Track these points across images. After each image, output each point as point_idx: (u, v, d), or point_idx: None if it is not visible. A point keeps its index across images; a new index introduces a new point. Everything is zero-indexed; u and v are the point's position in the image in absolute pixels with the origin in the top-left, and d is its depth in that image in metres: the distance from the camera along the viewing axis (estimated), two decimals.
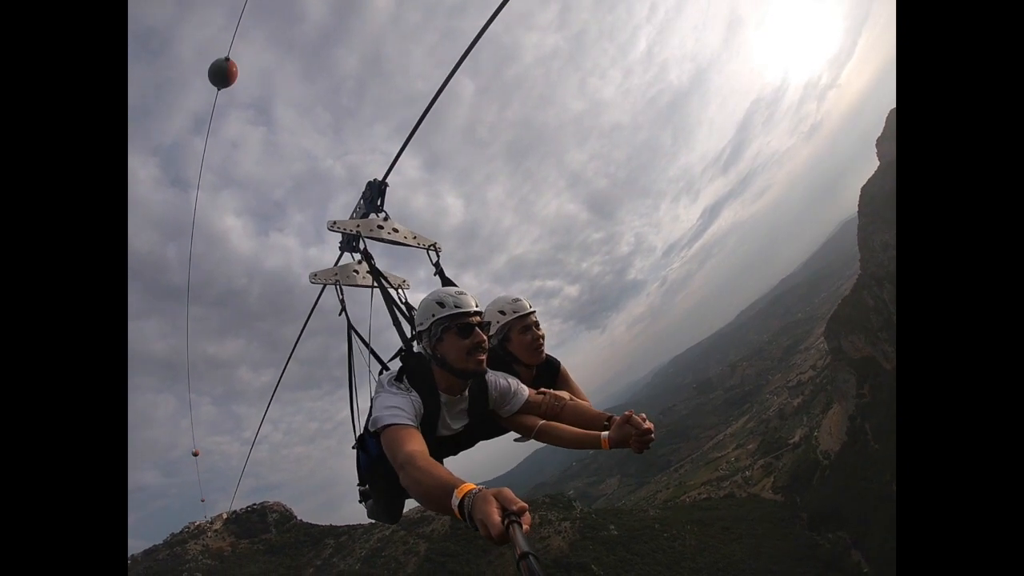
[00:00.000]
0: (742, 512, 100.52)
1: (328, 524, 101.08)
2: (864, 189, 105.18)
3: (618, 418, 2.73)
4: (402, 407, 2.60)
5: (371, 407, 3.05)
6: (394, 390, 2.74)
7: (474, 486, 1.77)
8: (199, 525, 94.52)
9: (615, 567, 77.07)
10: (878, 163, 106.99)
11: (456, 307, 2.82)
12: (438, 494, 1.93)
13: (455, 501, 1.78)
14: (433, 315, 2.84)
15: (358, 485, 3.49)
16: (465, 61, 3.53)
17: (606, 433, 2.74)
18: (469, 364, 2.81)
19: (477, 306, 2.90)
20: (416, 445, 2.38)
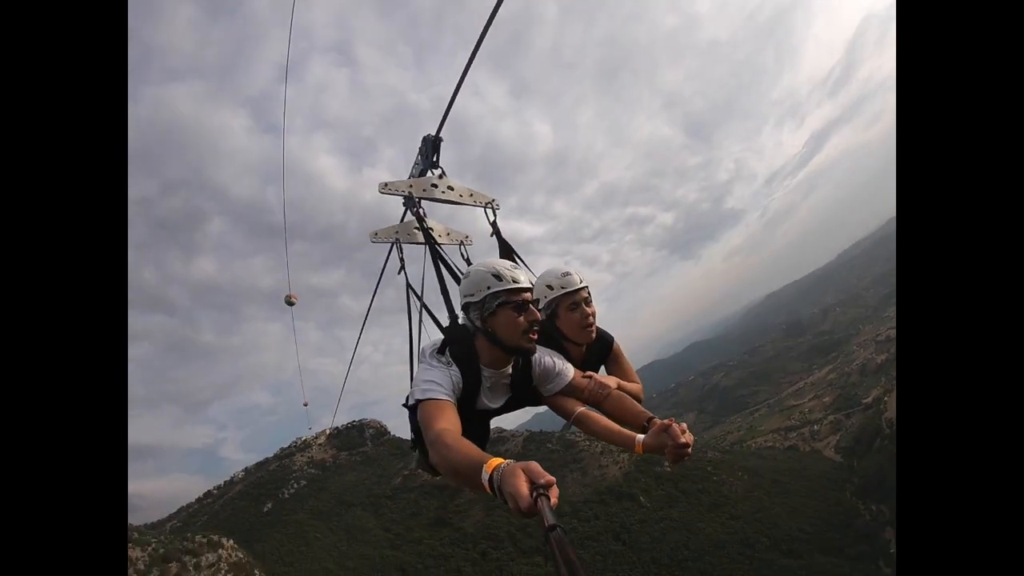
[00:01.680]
0: (798, 467, 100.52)
1: None
2: None
3: (658, 423, 2.57)
4: (439, 381, 2.58)
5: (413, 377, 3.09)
6: (434, 363, 2.72)
7: (502, 460, 1.78)
8: (306, 440, 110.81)
9: (661, 501, 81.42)
10: None
11: (514, 282, 2.73)
12: (467, 470, 1.94)
13: (484, 476, 1.79)
14: (489, 287, 2.73)
15: (411, 439, 3.47)
16: None
17: (641, 437, 2.63)
18: (522, 342, 2.75)
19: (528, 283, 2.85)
20: (447, 423, 2.37)
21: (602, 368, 3.58)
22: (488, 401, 2.97)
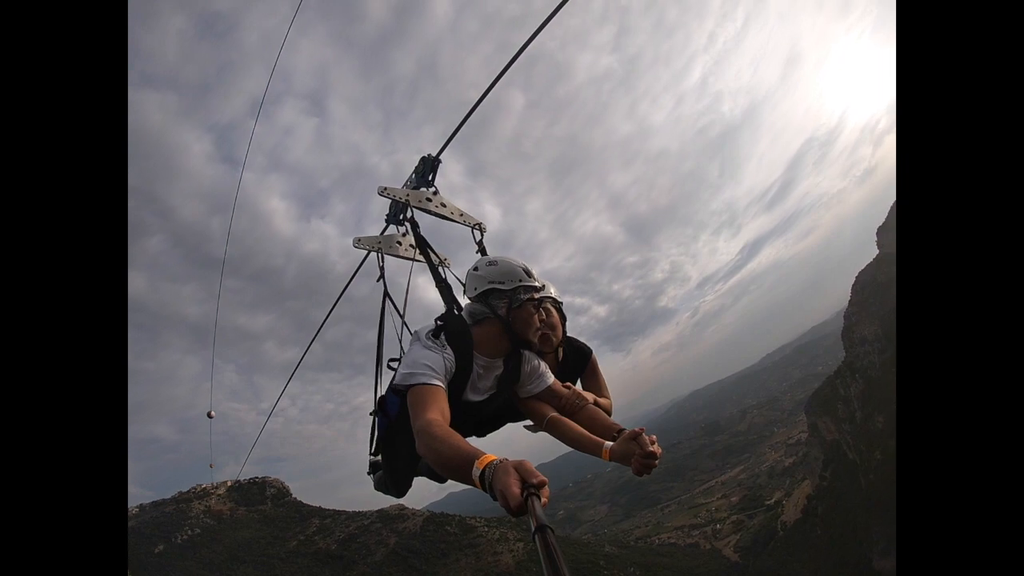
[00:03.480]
0: (691, 565, 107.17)
1: (318, 505, 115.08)
2: (858, 277, 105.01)
3: (628, 432, 2.58)
4: (433, 365, 2.57)
5: (401, 359, 3.17)
6: (430, 344, 2.69)
7: (495, 457, 1.78)
8: (205, 488, 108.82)
9: None
10: (877, 252, 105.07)
11: (540, 285, 2.96)
12: (458, 463, 1.92)
13: (476, 472, 1.78)
14: (520, 280, 2.88)
15: (370, 455, 3.46)
16: (517, 74, 3.73)
17: (610, 444, 2.64)
18: (536, 338, 2.93)
19: None
20: (437, 412, 2.35)
21: (579, 382, 3.65)
22: (473, 393, 2.95)
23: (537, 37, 3.20)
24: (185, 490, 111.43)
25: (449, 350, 2.70)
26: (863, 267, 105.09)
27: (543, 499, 1.55)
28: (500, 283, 2.89)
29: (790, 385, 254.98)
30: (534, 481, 1.57)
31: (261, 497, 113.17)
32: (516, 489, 1.56)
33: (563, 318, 3.39)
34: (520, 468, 1.63)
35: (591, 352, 3.66)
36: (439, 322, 2.86)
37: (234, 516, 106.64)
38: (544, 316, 3.02)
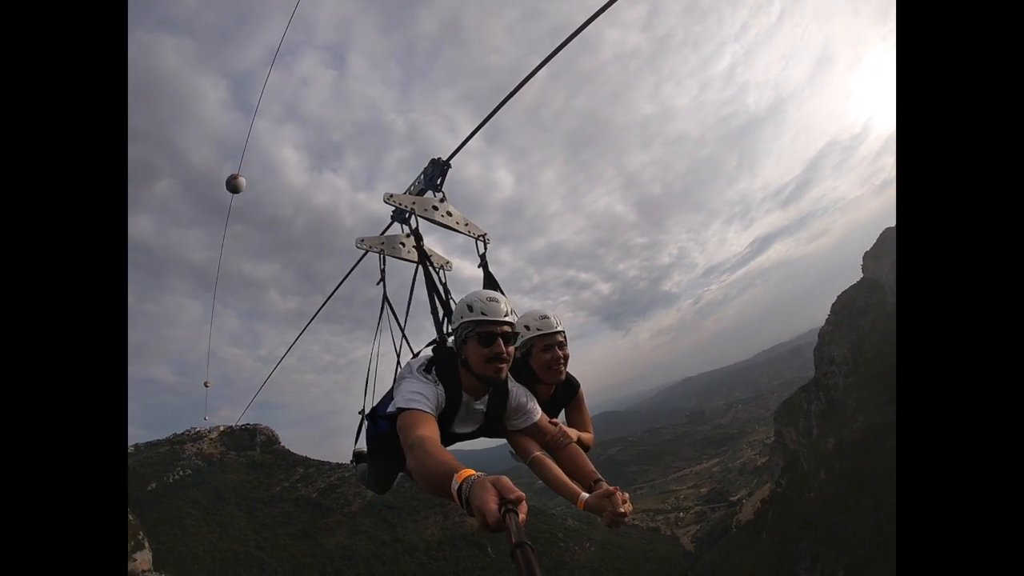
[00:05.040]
0: (647, 548, 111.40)
1: (304, 455, 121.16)
2: (839, 297, 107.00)
3: (603, 488, 2.73)
4: (426, 395, 2.62)
5: (393, 388, 3.10)
6: (422, 379, 2.75)
7: (474, 472, 1.76)
8: (199, 431, 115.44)
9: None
10: (861, 275, 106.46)
11: (482, 314, 2.82)
12: (438, 478, 1.94)
13: (454, 486, 1.78)
14: (462, 317, 2.86)
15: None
16: (543, 43, 3.97)
17: (586, 496, 2.79)
18: (487, 371, 2.83)
19: (508, 314, 2.87)
20: (428, 431, 2.39)
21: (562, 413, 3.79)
22: (460, 426, 3.04)
23: (567, 10, 3.71)
24: (180, 432, 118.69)
25: (441, 386, 2.78)
26: (846, 288, 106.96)
27: (521, 515, 1.54)
28: (453, 324, 2.95)
29: (779, 384, 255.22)
30: (512, 497, 1.56)
31: (251, 443, 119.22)
32: (494, 505, 1.55)
33: (548, 347, 3.40)
34: (497, 484, 1.61)
35: (579, 386, 3.79)
36: (432, 352, 3.00)
37: (224, 460, 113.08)
38: (490, 347, 2.84)
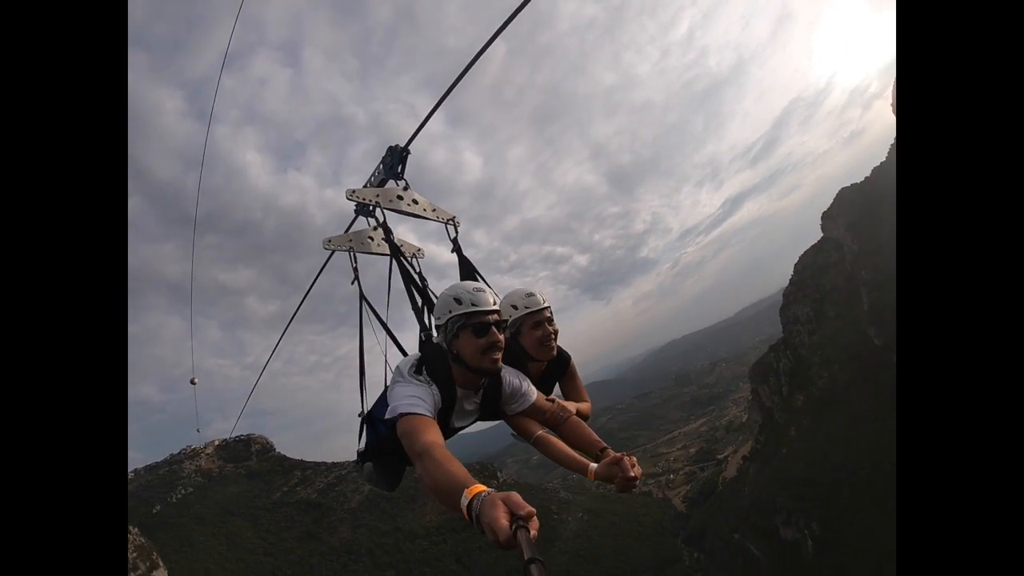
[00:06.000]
0: (641, 512, 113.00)
1: (300, 459, 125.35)
2: (800, 258, 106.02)
3: (611, 455, 2.76)
4: (422, 397, 2.58)
5: (386, 392, 3.04)
6: (414, 381, 2.71)
7: (484, 488, 1.75)
8: (195, 448, 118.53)
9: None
10: (821, 235, 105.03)
11: (473, 305, 2.77)
12: (448, 491, 1.92)
13: (464, 502, 1.77)
14: (450, 311, 2.79)
15: (358, 450, 3.45)
16: (498, 19, 3.24)
17: (595, 465, 2.81)
18: (484, 363, 2.78)
19: (495, 303, 2.85)
20: (434, 436, 2.36)
21: (556, 386, 3.77)
22: (458, 420, 3.04)
23: None
24: (176, 451, 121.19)
25: (434, 384, 2.74)
26: (807, 248, 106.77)
27: (532, 531, 1.53)
28: (438, 320, 2.89)
29: (761, 340, 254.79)
30: (522, 513, 1.56)
31: (247, 453, 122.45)
32: (504, 522, 1.55)
33: (537, 324, 3.43)
34: (508, 501, 1.62)
35: (570, 358, 3.78)
36: (420, 352, 2.94)
37: (223, 473, 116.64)
38: (485, 337, 2.79)
